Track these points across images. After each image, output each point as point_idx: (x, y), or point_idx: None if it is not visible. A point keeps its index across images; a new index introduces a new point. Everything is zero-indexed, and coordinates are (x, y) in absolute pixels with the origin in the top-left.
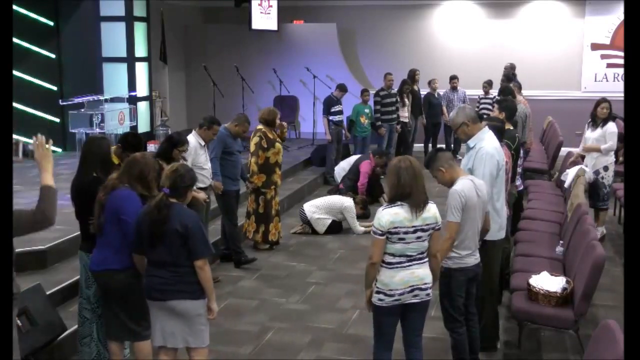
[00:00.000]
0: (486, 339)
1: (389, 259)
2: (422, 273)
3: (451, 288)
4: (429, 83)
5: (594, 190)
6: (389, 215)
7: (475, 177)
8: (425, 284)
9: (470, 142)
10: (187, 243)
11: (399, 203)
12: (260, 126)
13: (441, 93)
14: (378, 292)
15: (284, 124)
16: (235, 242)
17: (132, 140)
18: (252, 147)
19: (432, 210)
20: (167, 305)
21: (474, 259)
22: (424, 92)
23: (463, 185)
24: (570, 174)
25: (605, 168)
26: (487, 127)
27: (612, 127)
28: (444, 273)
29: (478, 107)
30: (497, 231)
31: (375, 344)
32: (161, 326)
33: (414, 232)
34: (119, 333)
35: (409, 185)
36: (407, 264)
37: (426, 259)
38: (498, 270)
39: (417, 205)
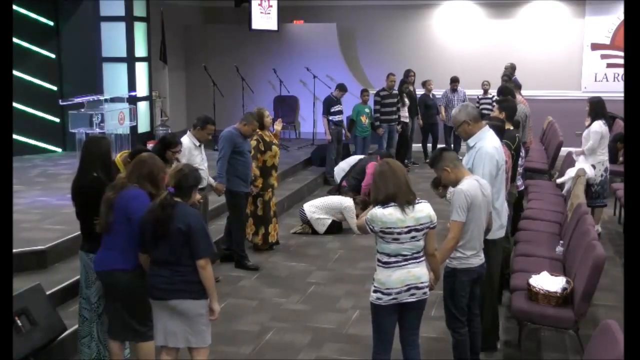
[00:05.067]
0: (486, 339)
1: (384, 258)
2: (418, 272)
3: (455, 288)
4: (424, 84)
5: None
6: (382, 215)
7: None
8: (422, 282)
9: (470, 142)
10: (189, 242)
11: (391, 204)
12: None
13: (436, 94)
14: (375, 291)
15: (277, 126)
16: (240, 245)
17: None
18: (251, 151)
19: (425, 210)
20: (169, 304)
21: (479, 259)
22: (420, 92)
23: (469, 185)
24: (567, 177)
25: (592, 167)
26: (487, 126)
27: (595, 127)
28: (448, 273)
29: (478, 106)
30: (497, 230)
31: (374, 343)
32: (163, 325)
33: (408, 232)
34: (122, 333)
35: (392, 186)
36: (403, 263)
37: (422, 258)
38: (499, 270)
39: (405, 204)
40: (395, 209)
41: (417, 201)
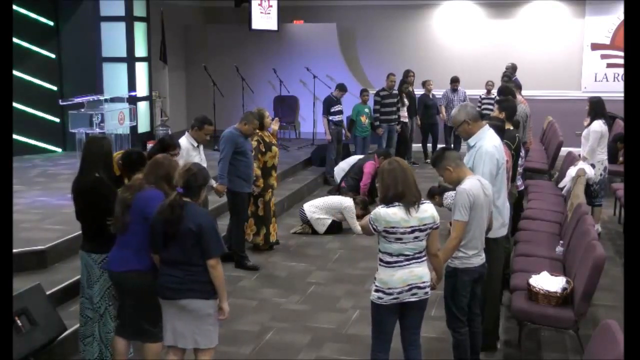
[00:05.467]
0: (486, 339)
1: (387, 258)
2: (420, 272)
3: (456, 288)
4: (423, 84)
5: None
6: (386, 215)
7: None
8: (424, 282)
9: (471, 141)
10: (200, 242)
11: (396, 203)
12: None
13: (436, 94)
14: (377, 291)
15: (274, 125)
16: (241, 245)
17: (136, 159)
18: (252, 151)
19: (429, 210)
20: (179, 304)
21: (480, 259)
22: (420, 93)
23: (471, 184)
24: (567, 179)
25: (592, 166)
26: (487, 126)
27: (595, 126)
28: (450, 273)
29: (480, 106)
30: (499, 228)
31: (373, 342)
32: (172, 326)
33: (412, 232)
34: (133, 332)
35: (401, 185)
36: (406, 262)
37: (425, 258)
38: (501, 269)
39: (411, 204)
40: (400, 208)
41: (421, 201)
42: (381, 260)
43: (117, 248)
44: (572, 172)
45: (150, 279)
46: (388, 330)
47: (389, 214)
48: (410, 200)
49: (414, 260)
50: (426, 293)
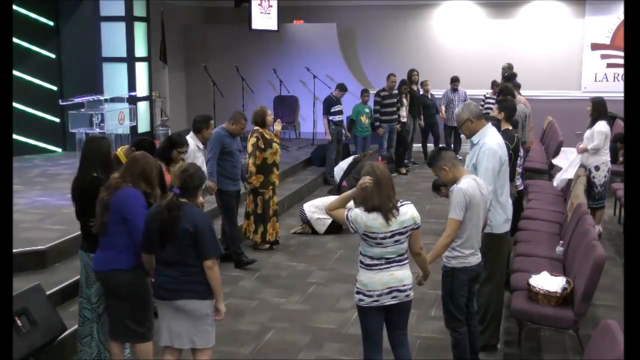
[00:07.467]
0: (487, 339)
1: (367, 260)
2: (402, 275)
3: (454, 288)
4: (421, 84)
5: (588, 189)
6: (367, 219)
7: (478, 172)
8: (405, 285)
9: (474, 139)
10: (196, 243)
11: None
12: (256, 127)
13: (435, 94)
14: (358, 293)
15: (276, 126)
16: (235, 243)
17: (147, 147)
18: (250, 148)
19: (409, 212)
20: (175, 304)
21: (477, 258)
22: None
23: (467, 184)
24: (566, 177)
25: (597, 168)
26: (490, 124)
27: (600, 126)
28: (447, 272)
29: (483, 105)
30: (503, 224)
31: (363, 344)
32: (168, 326)
33: (392, 236)
34: (122, 334)
35: (375, 197)
36: (387, 265)
37: (406, 261)
38: (504, 266)
39: (388, 212)
40: (379, 214)
41: (400, 204)
42: (361, 262)
43: (101, 248)
44: (571, 172)
45: (135, 278)
46: (374, 331)
47: (370, 218)
48: (388, 210)
49: (395, 264)
50: (407, 296)
